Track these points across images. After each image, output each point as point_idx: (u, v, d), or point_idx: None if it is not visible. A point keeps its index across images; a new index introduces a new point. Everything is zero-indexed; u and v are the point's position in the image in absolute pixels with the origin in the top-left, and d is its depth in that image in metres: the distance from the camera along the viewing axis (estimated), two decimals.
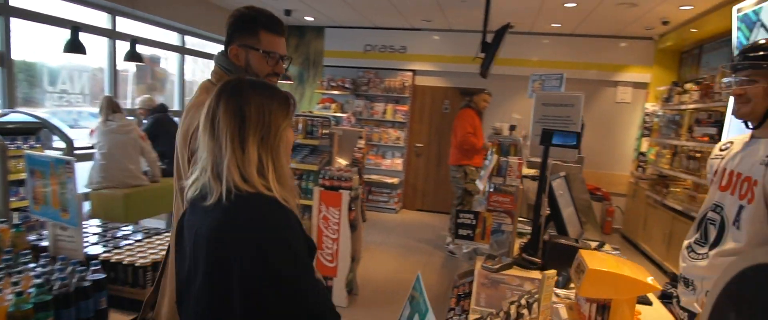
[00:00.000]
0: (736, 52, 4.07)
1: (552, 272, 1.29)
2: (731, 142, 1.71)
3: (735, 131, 3.90)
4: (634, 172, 6.66)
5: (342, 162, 4.54)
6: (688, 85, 5.28)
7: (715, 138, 4.35)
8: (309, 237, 1.15)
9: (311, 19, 7.21)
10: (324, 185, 3.77)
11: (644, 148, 6.53)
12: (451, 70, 7.31)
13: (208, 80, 1.59)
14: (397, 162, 7.52)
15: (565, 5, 5.42)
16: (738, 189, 1.52)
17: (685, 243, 1.75)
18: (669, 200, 5.02)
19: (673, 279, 1.80)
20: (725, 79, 1.60)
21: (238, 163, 1.06)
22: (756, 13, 3.73)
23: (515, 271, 2.07)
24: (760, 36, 3.72)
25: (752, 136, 1.58)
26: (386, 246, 5.58)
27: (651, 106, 6.51)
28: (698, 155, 4.68)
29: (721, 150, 1.73)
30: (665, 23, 5.78)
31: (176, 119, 5.86)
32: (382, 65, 7.47)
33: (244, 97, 1.09)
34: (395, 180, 7.33)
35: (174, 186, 1.54)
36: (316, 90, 7.74)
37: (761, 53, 1.50)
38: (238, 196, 1.04)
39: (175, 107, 6.38)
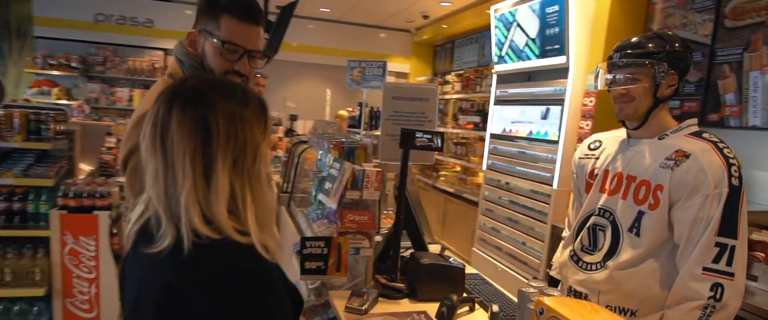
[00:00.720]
0: (495, 49, 4.52)
1: None
2: (600, 141, 1.65)
3: (498, 120, 4.31)
4: None
5: (85, 168, 3.40)
6: (449, 77, 5.76)
7: (480, 126, 4.80)
8: (294, 289, 0.90)
9: None
10: (67, 206, 2.66)
11: None
12: None
13: (164, 77, 1.36)
14: None
15: None
16: (632, 194, 1.44)
17: (568, 250, 1.64)
18: (440, 183, 5.41)
19: (551, 284, 1.68)
20: (608, 76, 1.51)
21: (200, 198, 0.80)
22: (512, 14, 4.15)
23: (383, 306, 1.68)
24: (516, 35, 4.16)
25: (629, 136, 1.54)
26: None
27: None
28: (465, 141, 5.13)
29: (591, 149, 1.66)
30: (425, 17, 6.18)
31: None
32: (123, 41, 6.08)
33: (207, 103, 0.82)
34: None
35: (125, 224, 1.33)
36: (26, 69, 5.80)
37: (642, 51, 1.44)
38: (198, 245, 0.77)
39: None
